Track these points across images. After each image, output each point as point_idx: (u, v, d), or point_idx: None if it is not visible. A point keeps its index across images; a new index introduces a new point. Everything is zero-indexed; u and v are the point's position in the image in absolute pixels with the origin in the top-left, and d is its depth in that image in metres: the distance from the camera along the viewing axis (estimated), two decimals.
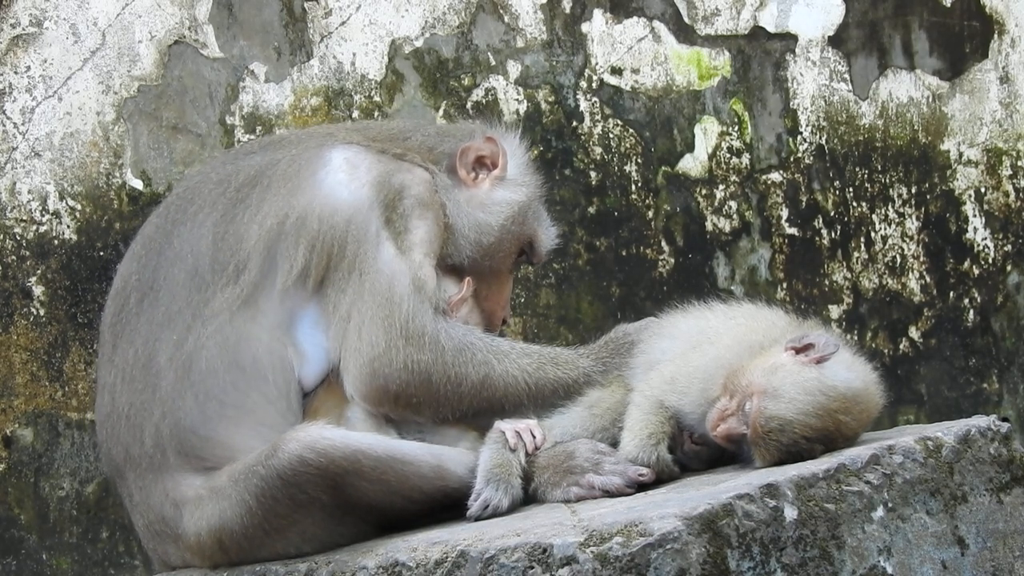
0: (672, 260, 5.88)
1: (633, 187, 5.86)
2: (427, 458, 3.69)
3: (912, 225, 6.33)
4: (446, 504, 3.71)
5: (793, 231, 6.11)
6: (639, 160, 5.88)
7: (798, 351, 3.54)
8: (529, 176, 4.28)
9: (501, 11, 5.70)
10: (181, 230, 3.91)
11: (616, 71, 5.87)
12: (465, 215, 4.09)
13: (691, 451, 3.70)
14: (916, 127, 6.36)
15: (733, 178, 6.02)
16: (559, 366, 3.94)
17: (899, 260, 6.30)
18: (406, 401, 3.80)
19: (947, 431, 3.49)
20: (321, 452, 3.58)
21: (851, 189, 6.22)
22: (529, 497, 3.71)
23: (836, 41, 6.23)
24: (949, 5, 6.44)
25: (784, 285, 6.07)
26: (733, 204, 6.01)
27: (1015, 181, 6.53)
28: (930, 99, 6.39)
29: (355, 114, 5.45)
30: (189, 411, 3.76)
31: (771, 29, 6.13)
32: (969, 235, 6.42)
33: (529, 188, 4.25)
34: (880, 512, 3.30)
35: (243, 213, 3.89)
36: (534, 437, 3.75)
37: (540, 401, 3.89)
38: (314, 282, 3.84)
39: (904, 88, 6.35)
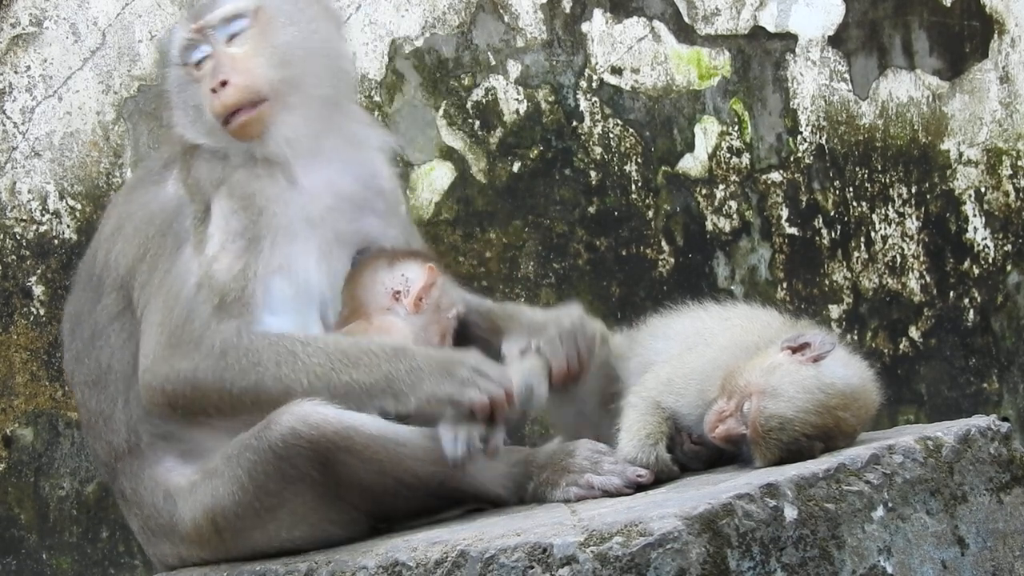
0: (672, 260, 5.88)
1: (633, 187, 5.86)
2: (421, 440, 3.67)
3: (912, 225, 6.33)
4: (441, 495, 3.70)
5: (793, 231, 6.11)
6: (639, 160, 5.88)
7: (794, 351, 3.55)
8: None
9: (501, 11, 5.70)
10: (88, 259, 4.02)
11: (616, 71, 5.88)
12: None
13: (690, 451, 3.70)
14: (916, 127, 6.36)
15: (733, 178, 6.03)
16: (357, 367, 3.68)
17: (899, 260, 6.30)
18: (184, 408, 3.71)
19: (947, 431, 3.49)
20: (313, 425, 3.58)
21: (851, 189, 6.23)
22: (529, 497, 3.71)
23: (836, 41, 6.23)
24: (949, 5, 6.44)
25: (784, 285, 6.07)
26: (733, 204, 6.01)
27: (1015, 181, 6.53)
28: (930, 99, 6.39)
29: None
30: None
31: (771, 29, 6.13)
32: (969, 235, 6.43)
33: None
34: (880, 512, 3.31)
35: (102, 230, 3.99)
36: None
37: (336, 397, 3.67)
38: (126, 269, 3.84)
39: (904, 88, 6.35)
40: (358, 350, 3.69)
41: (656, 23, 5.95)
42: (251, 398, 3.68)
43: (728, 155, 6.02)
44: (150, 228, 3.83)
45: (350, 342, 3.74)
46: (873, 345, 6.16)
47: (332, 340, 3.74)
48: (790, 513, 3.21)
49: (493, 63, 5.68)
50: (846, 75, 6.24)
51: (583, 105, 5.81)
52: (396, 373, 3.67)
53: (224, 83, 3.83)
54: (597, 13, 5.86)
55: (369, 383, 3.66)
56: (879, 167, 6.28)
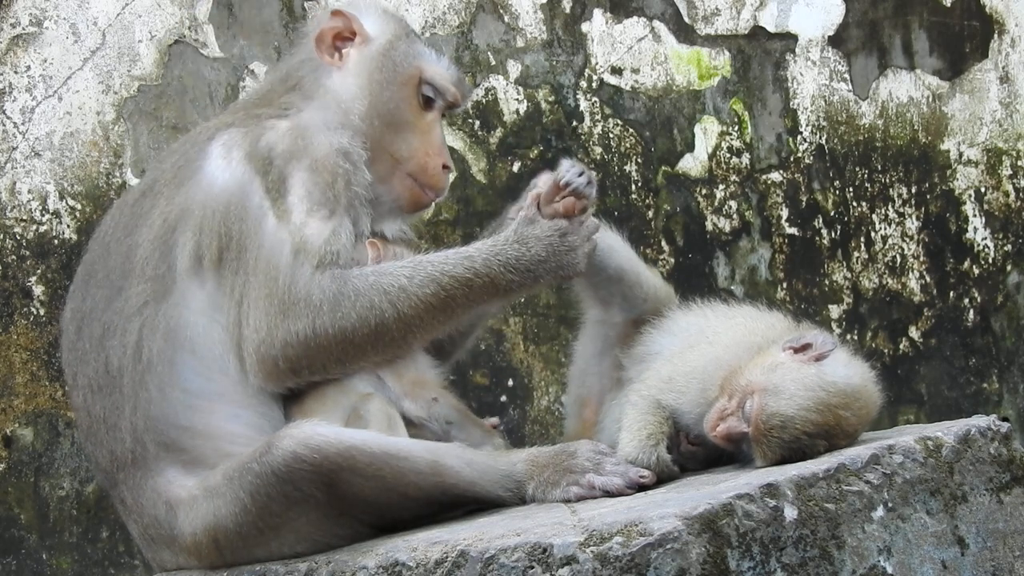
0: (672, 260, 5.88)
1: (633, 187, 5.86)
2: (423, 454, 3.67)
3: (912, 225, 6.33)
4: (444, 502, 3.70)
5: (793, 231, 6.11)
6: (639, 160, 5.88)
7: (796, 351, 3.55)
8: (386, 23, 4.11)
9: (501, 11, 5.70)
10: (101, 256, 3.98)
11: (616, 71, 5.87)
12: (346, 94, 4.00)
13: (688, 452, 3.70)
14: (916, 127, 6.36)
15: (733, 178, 6.03)
16: (470, 287, 3.80)
17: (899, 260, 6.30)
18: (307, 368, 3.74)
19: (947, 431, 3.49)
20: (315, 448, 3.57)
21: (851, 189, 6.23)
22: (530, 498, 3.71)
23: (836, 41, 6.23)
24: (949, 5, 6.44)
25: (784, 285, 6.07)
26: (733, 204, 6.01)
27: (1015, 181, 6.53)
28: (930, 99, 6.39)
29: None
30: (155, 401, 3.76)
31: (771, 29, 6.13)
32: (969, 235, 6.43)
33: (387, 31, 4.08)
34: (880, 512, 3.30)
35: (140, 222, 3.91)
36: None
37: (456, 315, 3.81)
38: (211, 262, 3.81)
39: (904, 88, 6.35)
40: (460, 266, 3.79)
41: (656, 23, 5.94)
42: (372, 341, 3.74)
43: (728, 155, 6.02)
44: (225, 215, 3.81)
45: (446, 262, 3.82)
46: (873, 345, 6.16)
47: (429, 265, 3.81)
48: (790, 513, 3.20)
49: (493, 63, 5.68)
50: (846, 75, 6.23)
51: (583, 105, 5.81)
52: (497, 273, 3.80)
53: (447, 168, 4.07)
54: (597, 13, 5.86)
55: (483, 296, 3.79)
56: (879, 167, 6.28)
